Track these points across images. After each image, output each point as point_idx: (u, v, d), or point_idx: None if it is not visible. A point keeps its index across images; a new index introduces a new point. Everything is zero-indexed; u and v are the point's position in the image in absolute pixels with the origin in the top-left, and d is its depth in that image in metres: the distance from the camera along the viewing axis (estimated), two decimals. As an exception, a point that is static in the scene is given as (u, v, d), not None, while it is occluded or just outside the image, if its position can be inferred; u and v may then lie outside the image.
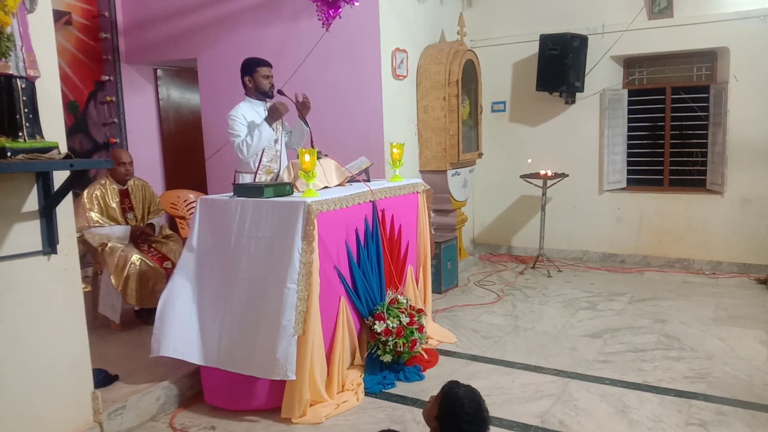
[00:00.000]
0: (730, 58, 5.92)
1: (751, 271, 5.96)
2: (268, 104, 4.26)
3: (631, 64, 6.67)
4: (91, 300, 4.44)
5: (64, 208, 2.77)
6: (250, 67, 4.17)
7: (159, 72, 6.98)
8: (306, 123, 4.26)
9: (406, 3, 5.75)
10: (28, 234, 2.63)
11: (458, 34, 6.23)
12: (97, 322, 4.37)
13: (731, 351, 4.01)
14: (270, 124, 4.03)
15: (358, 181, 3.99)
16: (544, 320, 4.77)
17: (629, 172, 6.81)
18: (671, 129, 6.53)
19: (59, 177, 2.70)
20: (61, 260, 2.76)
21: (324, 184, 3.74)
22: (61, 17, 5.96)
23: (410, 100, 5.91)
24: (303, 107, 4.20)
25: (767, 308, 4.91)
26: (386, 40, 5.42)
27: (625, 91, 6.70)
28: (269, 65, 4.19)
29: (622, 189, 6.77)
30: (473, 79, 6.28)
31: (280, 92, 4.20)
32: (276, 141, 4.25)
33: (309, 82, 5.53)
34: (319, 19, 4.83)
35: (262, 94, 4.19)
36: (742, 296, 5.26)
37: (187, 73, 7.14)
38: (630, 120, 6.75)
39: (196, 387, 3.51)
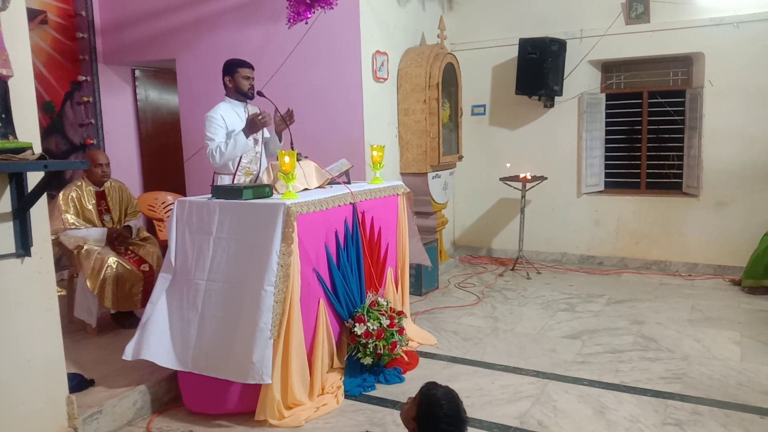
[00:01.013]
0: (705, 63, 6.02)
1: (726, 272, 6.07)
2: (249, 106, 4.23)
3: (608, 68, 6.76)
4: (67, 303, 4.37)
5: (39, 210, 2.72)
6: (231, 67, 4.14)
7: (137, 73, 6.90)
8: (281, 138, 4.25)
9: (386, 6, 5.76)
10: (0, 236, 2.58)
11: (438, 37, 6.26)
12: (72, 326, 4.29)
13: (706, 351, 4.07)
14: (247, 136, 3.99)
15: (339, 183, 3.98)
16: (524, 322, 4.80)
17: (607, 175, 6.90)
18: (648, 133, 6.62)
19: (33, 178, 2.65)
20: (35, 263, 2.71)
21: (304, 185, 3.73)
22: (36, 16, 5.86)
23: (391, 103, 5.91)
24: (288, 118, 4.16)
25: (741, 309, 4.99)
26: (367, 43, 5.42)
27: (603, 95, 6.78)
28: (250, 67, 4.16)
29: (600, 192, 6.84)
30: (453, 82, 6.31)
31: (260, 93, 4.17)
32: (256, 142, 4.22)
33: (289, 84, 5.51)
34: (288, 17, 4.80)
35: (241, 95, 4.16)
36: (718, 297, 5.35)
37: (165, 74, 7.07)
38: (608, 124, 6.83)
39: (173, 391, 3.47)
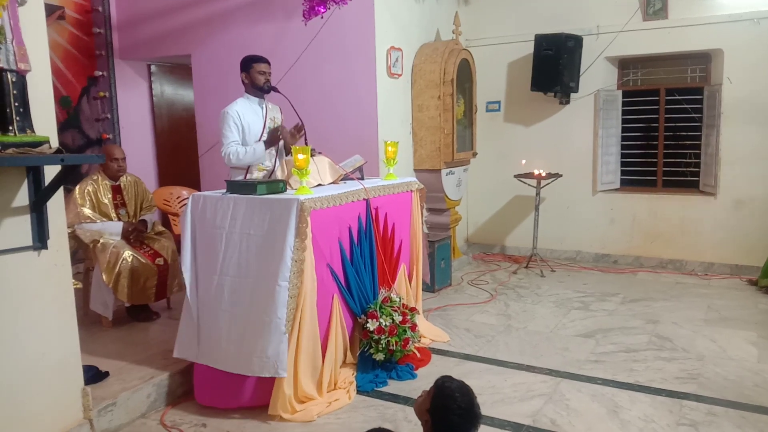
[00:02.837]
0: (723, 59, 5.94)
1: (742, 272, 5.99)
2: (268, 103, 4.23)
3: (625, 65, 6.69)
4: (83, 296, 4.42)
5: (55, 204, 2.75)
6: (246, 63, 4.16)
7: (153, 68, 6.94)
8: (287, 152, 4.19)
9: (401, 1, 5.73)
10: (17, 229, 2.61)
11: (453, 33, 6.22)
12: (88, 319, 4.34)
13: (722, 352, 4.03)
14: (267, 147, 4.01)
15: (352, 179, 3.98)
16: (537, 320, 4.78)
17: (623, 172, 6.83)
18: (665, 130, 6.55)
19: (50, 172, 2.68)
20: (52, 256, 2.74)
21: (318, 181, 3.73)
22: (53, 12, 5.92)
23: (405, 99, 5.90)
24: (297, 132, 4.11)
25: (758, 309, 4.93)
26: (381, 39, 5.41)
27: (620, 92, 6.71)
28: (265, 61, 4.17)
29: (616, 190, 6.78)
30: (468, 79, 6.28)
31: (274, 89, 4.18)
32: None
33: (303, 80, 5.52)
34: (303, 12, 4.80)
35: (258, 90, 4.17)
36: (734, 297, 5.29)
37: (180, 70, 7.11)
38: (624, 121, 6.76)
39: (186, 384, 3.50)
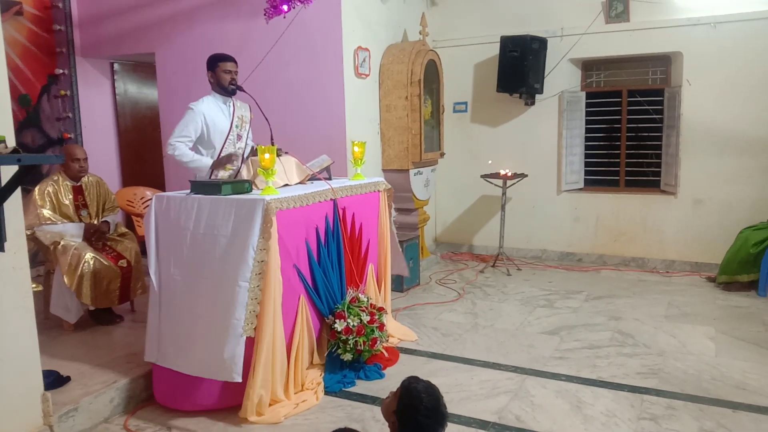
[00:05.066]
0: (683, 62, 6.10)
1: (702, 269, 6.16)
2: (237, 101, 4.21)
3: (588, 66, 6.81)
4: (43, 299, 4.31)
5: (13, 205, 2.67)
6: (212, 62, 4.13)
7: (116, 66, 6.80)
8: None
9: (368, 1, 5.74)
10: (-27, 231, 2.54)
11: (420, 34, 6.25)
12: (49, 323, 4.24)
13: (682, 347, 4.13)
14: (212, 171, 3.96)
15: (319, 179, 3.97)
16: (503, 318, 4.83)
17: (586, 172, 6.96)
18: (627, 131, 6.69)
19: (7, 172, 2.60)
20: (9, 259, 2.67)
21: (284, 181, 3.71)
22: (10, 7, 5.76)
23: (373, 99, 5.90)
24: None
25: (717, 305, 5.08)
26: (348, 39, 5.41)
27: (583, 93, 6.83)
28: (232, 60, 4.14)
29: (580, 189, 6.90)
30: (435, 79, 6.32)
31: (239, 89, 4.15)
32: (239, 138, 4.21)
33: (270, 79, 5.48)
34: (264, 11, 4.77)
35: (222, 89, 4.14)
36: (694, 294, 5.43)
37: (144, 68, 6.99)
38: (587, 122, 6.89)
39: (151, 388, 3.44)
